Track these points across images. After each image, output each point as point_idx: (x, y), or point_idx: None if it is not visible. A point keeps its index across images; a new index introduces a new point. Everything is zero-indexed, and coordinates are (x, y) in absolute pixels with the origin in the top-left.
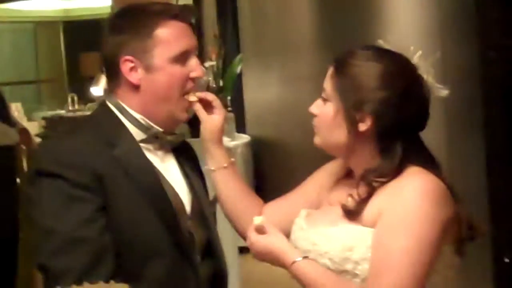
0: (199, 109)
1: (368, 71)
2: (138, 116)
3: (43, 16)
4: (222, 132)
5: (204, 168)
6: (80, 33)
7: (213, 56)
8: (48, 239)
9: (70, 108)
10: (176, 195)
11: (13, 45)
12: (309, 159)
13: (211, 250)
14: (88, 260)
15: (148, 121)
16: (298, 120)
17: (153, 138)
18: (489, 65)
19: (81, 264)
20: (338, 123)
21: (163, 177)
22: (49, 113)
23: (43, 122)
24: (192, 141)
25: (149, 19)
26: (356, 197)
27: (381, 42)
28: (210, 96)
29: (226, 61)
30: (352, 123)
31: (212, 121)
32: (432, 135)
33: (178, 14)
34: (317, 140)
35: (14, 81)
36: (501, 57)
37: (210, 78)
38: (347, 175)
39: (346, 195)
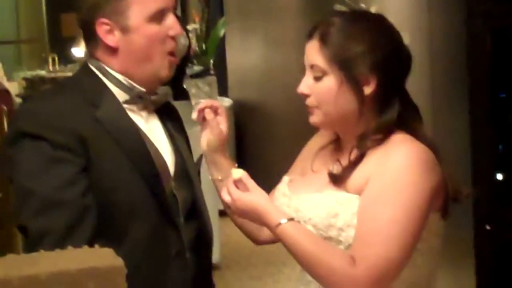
0: (211, 118)
1: (357, 33)
2: (120, 77)
3: None
4: (227, 141)
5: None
6: None
7: (196, 19)
8: (28, 201)
9: (51, 68)
10: (160, 156)
11: None
12: (291, 123)
13: (196, 211)
14: (68, 221)
15: (130, 81)
16: (281, 84)
17: (137, 99)
18: (475, 33)
19: (61, 225)
20: (342, 94)
21: (147, 138)
22: (30, 74)
23: (23, 83)
24: (175, 104)
25: None
26: (344, 162)
27: (363, 6)
28: (216, 103)
29: (210, 24)
30: (358, 89)
31: (219, 131)
32: (417, 102)
33: None
34: (315, 118)
35: None
36: (487, 25)
37: (193, 41)
38: (330, 144)
39: (331, 163)
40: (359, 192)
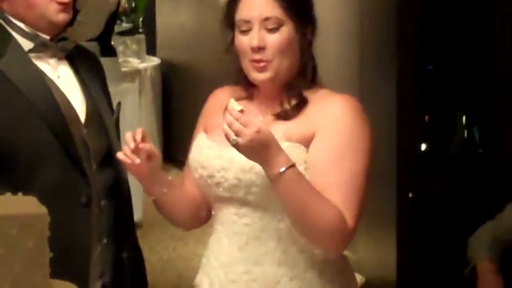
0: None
1: None
2: (22, 25)
3: None
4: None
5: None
6: None
7: None
8: None
9: None
10: (68, 103)
11: None
12: (218, 84)
13: (111, 159)
14: None
15: (33, 29)
16: (209, 44)
17: (42, 46)
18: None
19: None
20: (297, 43)
21: (55, 85)
22: None
23: None
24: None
25: None
26: (289, 106)
27: None
28: (146, 146)
29: None
30: (305, 38)
31: (156, 155)
32: (345, 69)
33: None
34: (269, 74)
35: None
36: None
37: None
38: (243, 99)
39: (258, 114)
40: (302, 142)
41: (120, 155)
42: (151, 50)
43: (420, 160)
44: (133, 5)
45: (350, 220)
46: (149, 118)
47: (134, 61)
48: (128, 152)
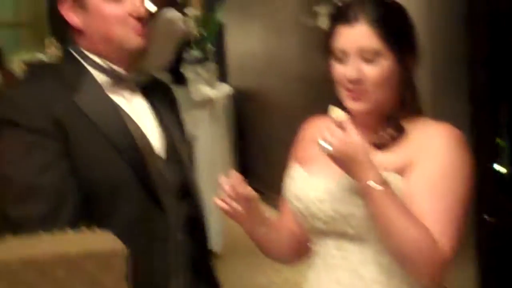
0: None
1: (400, 14)
2: (98, 59)
3: None
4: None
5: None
6: None
7: (196, 4)
8: (7, 188)
9: (50, 52)
10: (143, 136)
11: None
12: (291, 110)
13: (187, 192)
14: (47, 207)
15: (108, 63)
16: (281, 71)
17: (117, 80)
18: (476, 22)
19: (40, 211)
20: (392, 76)
21: (130, 119)
22: (29, 57)
23: (22, 66)
24: (175, 89)
25: None
26: (386, 135)
27: None
28: (244, 190)
29: (209, 9)
30: (406, 69)
31: (254, 196)
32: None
33: None
34: (365, 105)
35: None
36: (489, 13)
37: (193, 26)
38: None
39: None
40: (399, 172)
41: (218, 202)
42: (222, 77)
43: (498, 182)
44: (203, 33)
45: (445, 246)
46: (222, 145)
47: (205, 89)
48: (225, 198)
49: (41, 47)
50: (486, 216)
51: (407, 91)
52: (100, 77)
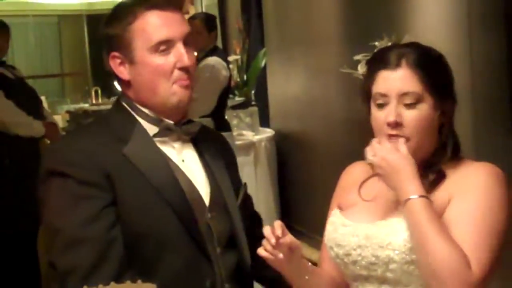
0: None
1: (440, 61)
2: (147, 111)
3: (67, 10)
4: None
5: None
6: None
7: (238, 50)
8: (55, 238)
9: (94, 101)
10: (192, 188)
11: (37, 38)
12: (333, 153)
13: (234, 242)
14: (93, 258)
15: (157, 114)
16: (322, 114)
17: (166, 131)
18: None
19: (86, 262)
20: (432, 121)
21: (179, 169)
22: (73, 107)
23: (67, 116)
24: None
25: (127, 12)
26: (427, 182)
27: (407, 37)
28: (287, 240)
29: (251, 55)
30: (445, 115)
31: (296, 244)
32: (459, 129)
33: (157, 3)
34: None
35: (38, 75)
36: None
37: (234, 72)
38: (375, 175)
39: (384, 190)
40: (439, 213)
41: (262, 251)
42: (265, 121)
43: None
44: (245, 78)
45: (476, 269)
46: (266, 189)
47: (248, 133)
48: (269, 247)
49: (84, 97)
50: None
51: (447, 138)
52: (150, 128)
